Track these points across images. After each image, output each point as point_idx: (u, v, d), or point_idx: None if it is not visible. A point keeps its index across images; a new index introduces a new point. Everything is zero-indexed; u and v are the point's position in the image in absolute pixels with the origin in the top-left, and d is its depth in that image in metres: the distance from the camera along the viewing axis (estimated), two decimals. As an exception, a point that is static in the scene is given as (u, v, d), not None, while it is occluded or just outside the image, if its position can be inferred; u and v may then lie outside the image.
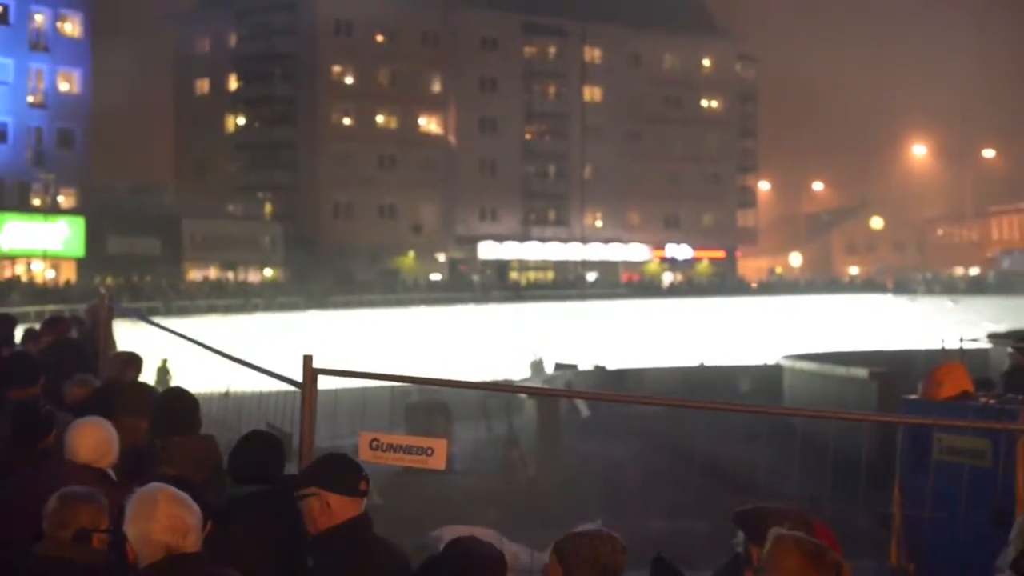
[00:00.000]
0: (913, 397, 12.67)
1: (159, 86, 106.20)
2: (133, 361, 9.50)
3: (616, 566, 5.07)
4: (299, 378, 6.54)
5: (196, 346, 10.36)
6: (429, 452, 6.19)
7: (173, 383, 35.22)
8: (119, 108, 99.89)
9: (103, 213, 75.11)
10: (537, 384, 36.20)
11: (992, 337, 29.79)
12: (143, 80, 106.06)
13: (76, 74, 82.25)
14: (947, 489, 10.70)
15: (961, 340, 22.35)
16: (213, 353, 9.40)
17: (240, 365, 8.65)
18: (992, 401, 11.94)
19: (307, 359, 6.42)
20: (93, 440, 6.10)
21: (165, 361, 44.89)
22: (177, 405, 6.90)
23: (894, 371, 26.25)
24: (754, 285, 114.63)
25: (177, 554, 4.59)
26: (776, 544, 4.40)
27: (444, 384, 9.99)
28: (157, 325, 12.71)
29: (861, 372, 27.33)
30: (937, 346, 23.94)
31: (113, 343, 12.25)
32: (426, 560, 5.11)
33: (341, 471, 5.49)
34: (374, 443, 6.20)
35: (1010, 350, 21.53)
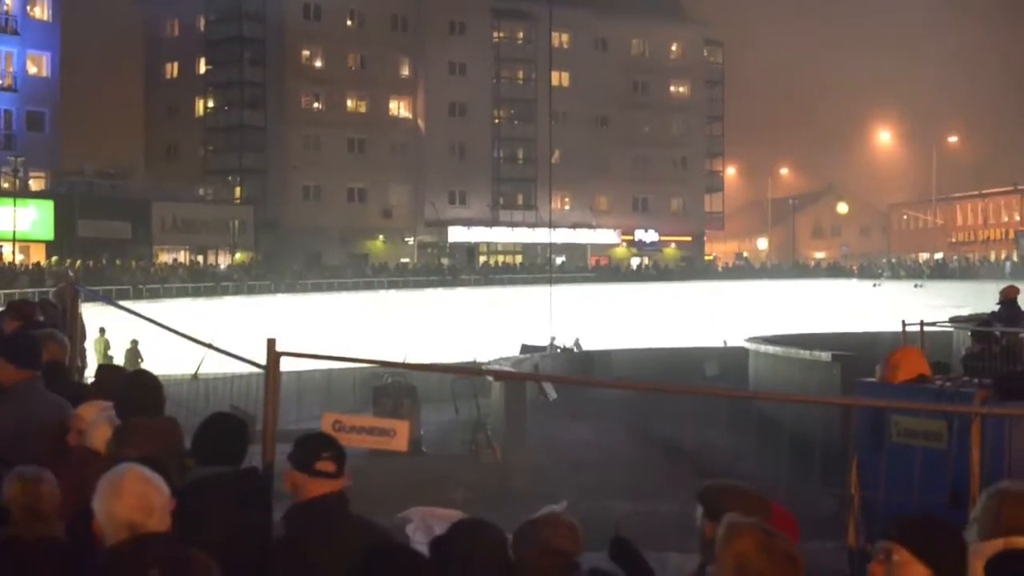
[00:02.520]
0: (870, 380, 12.86)
1: (128, 69, 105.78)
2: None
3: (565, 549, 5.16)
4: (264, 361, 6.61)
5: (163, 330, 10.42)
6: (391, 433, 6.29)
7: (144, 365, 35.31)
8: (88, 91, 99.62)
9: (73, 196, 74.72)
10: (507, 367, 36.28)
11: (954, 321, 30.04)
12: (112, 63, 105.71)
13: (45, 57, 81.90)
14: (903, 470, 10.89)
15: (922, 324, 22.59)
16: (180, 336, 9.48)
17: (206, 348, 8.74)
18: (948, 384, 12.15)
19: (271, 342, 6.49)
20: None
21: (135, 343, 44.99)
22: (140, 387, 6.96)
23: (857, 355, 26.46)
24: (720, 267, 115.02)
25: (142, 533, 4.62)
26: (728, 531, 4.39)
27: (406, 367, 10.12)
28: (125, 308, 12.76)
29: (824, 355, 27.58)
30: (900, 330, 24.13)
31: (82, 326, 12.25)
32: (433, 540, 5.14)
33: (300, 449, 5.61)
34: (336, 424, 6.30)
35: (970, 334, 21.83)
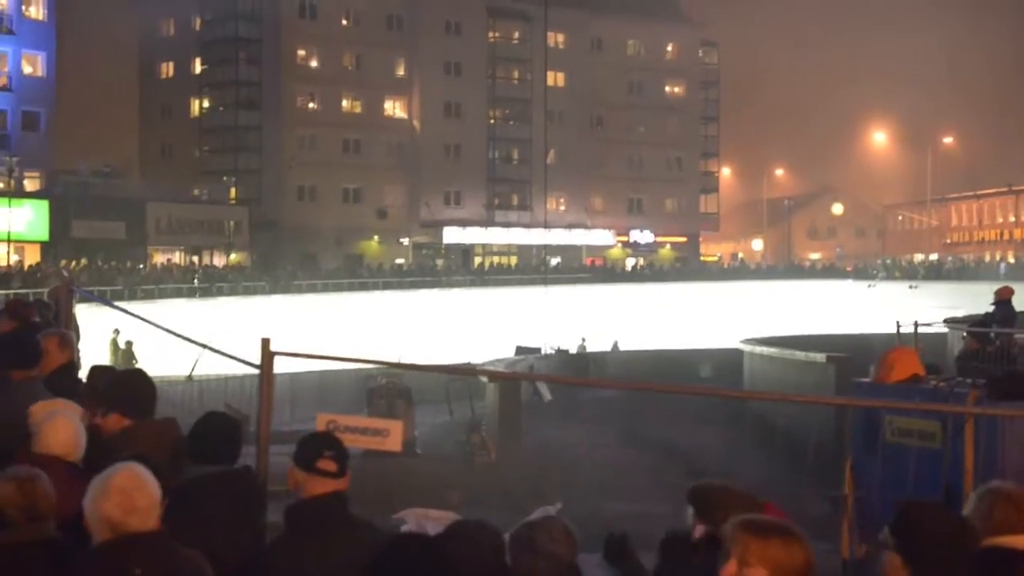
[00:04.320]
0: (864, 380, 12.87)
1: (123, 69, 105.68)
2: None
3: (560, 553, 5.16)
4: (258, 361, 6.61)
5: (158, 330, 10.42)
6: (385, 434, 6.30)
7: (138, 366, 35.32)
8: (84, 91, 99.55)
9: (67, 197, 74.67)
10: (502, 369, 36.25)
11: (948, 322, 30.09)
12: (108, 63, 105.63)
13: (40, 57, 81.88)
14: (897, 470, 10.91)
15: (916, 324, 22.63)
16: (175, 336, 9.49)
17: (201, 348, 8.74)
18: (942, 384, 12.17)
19: (265, 342, 6.49)
20: (66, 435, 6.13)
21: (130, 344, 45.02)
22: (135, 387, 6.92)
23: (852, 356, 26.45)
24: (718, 264, 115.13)
25: (125, 532, 4.62)
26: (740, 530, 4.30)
27: (400, 367, 10.12)
28: (119, 308, 12.76)
29: (819, 357, 27.53)
30: (895, 331, 24.17)
31: (75, 326, 12.25)
32: (427, 540, 5.12)
33: (303, 446, 5.60)
34: (330, 424, 6.30)
35: (964, 335, 21.87)
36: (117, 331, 43.66)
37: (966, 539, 4.48)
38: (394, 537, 4.92)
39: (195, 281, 70.18)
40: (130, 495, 4.70)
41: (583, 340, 54.37)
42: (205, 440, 6.08)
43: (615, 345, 57.77)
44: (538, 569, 5.06)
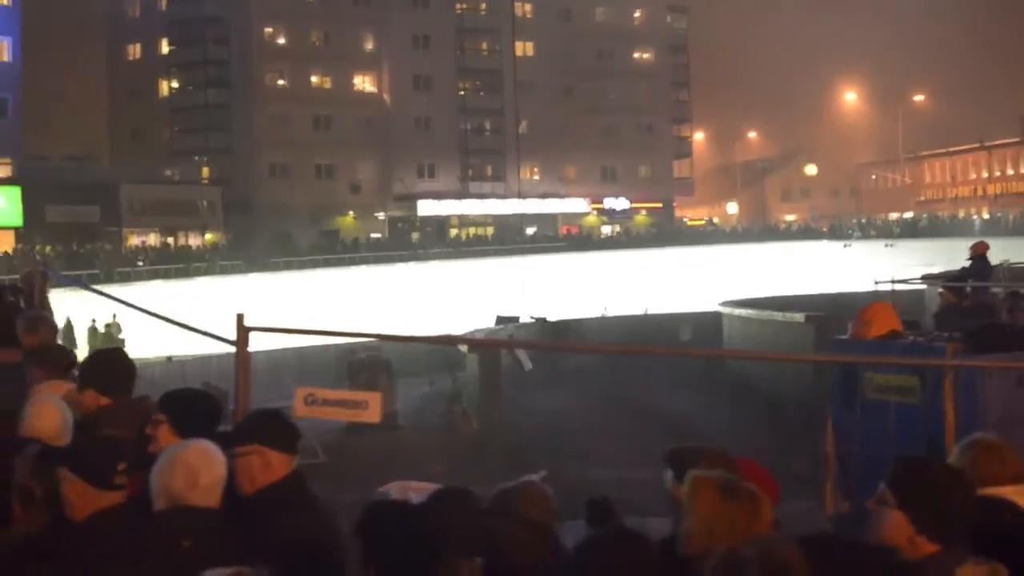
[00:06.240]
0: (843, 337, 12.89)
1: (91, 53, 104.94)
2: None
3: (538, 520, 5.17)
4: (234, 338, 6.58)
5: (136, 312, 10.37)
6: (364, 405, 6.28)
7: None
8: (51, 76, 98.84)
9: (40, 182, 74.34)
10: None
11: (925, 279, 30.15)
12: (75, 47, 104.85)
13: (7, 42, 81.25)
14: (877, 427, 10.93)
15: (893, 282, 22.70)
16: (152, 317, 9.45)
17: (178, 327, 8.71)
18: (920, 339, 12.20)
19: (239, 317, 6.46)
20: (51, 419, 6.09)
21: (108, 327, 45.00)
22: (112, 365, 6.89)
23: (830, 315, 26.46)
24: (705, 227, 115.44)
25: (181, 504, 4.80)
26: (692, 486, 4.55)
27: (379, 338, 10.11)
28: (96, 291, 12.72)
29: (798, 317, 27.56)
30: (871, 289, 24.25)
31: (49, 310, 12.19)
32: (412, 507, 5.07)
33: (281, 427, 5.50)
34: (309, 398, 6.28)
35: (940, 290, 21.92)
36: (114, 315, 43.85)
37: (964, 490, 4.50)
38: (376, 504, 4.90)
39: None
40: (196, 471, 4.88)
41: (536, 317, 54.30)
42: (182, 416, 6.00)
43: (605, 311, 57.66)
44: (519, 538, 5.05)
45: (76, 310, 40.22)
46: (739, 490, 4.49)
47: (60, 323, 44.18)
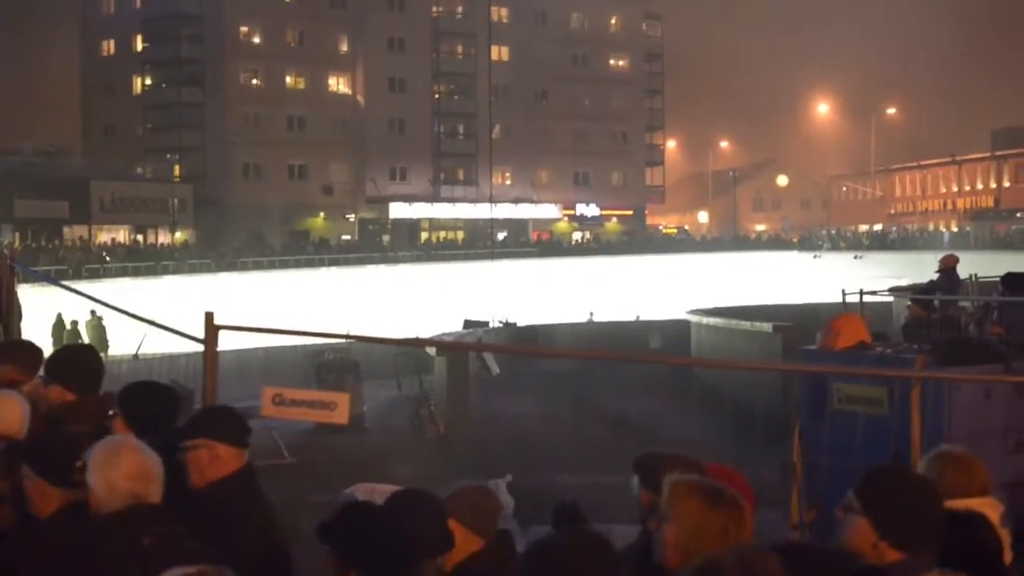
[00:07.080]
0: (811, 347, 12.92)
1: (64, 48, 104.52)
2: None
3: (494, 510, 5.19)
4: (203, 336, 6.55)
5: (104, 308, 10.32)
6: (332, 406, 6.25)
7: (88, 341, 35.08)
8: (24, 70, 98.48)
9: (10, 176, 74.05)
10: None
11: (893, 291, 30.28)
12: (48, 42, 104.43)
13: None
14: (845, 437, 10.96)
15: (861, 293, 22.76)
16: (119, 313, 9.40)
17: (145, 324, 8.67)
18: (888, 350, 12.23)
19: (208, 315, 6.43)
20: (11, 414, 6.07)
21: (75, 323, 44.72)
22: (79, 362, 6.86)
23: (798, 325, 26.52)
24: (678, 235, 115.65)
25: (140, 503, 4.72)
26: (672, 490, 4.44)
27: (347, 338, 10.08)
28: (64, 286, 12.64)
29: (766, 326, 27.61)
30: (840, 300, 24.28)
31: (17, 305, 12.11)
32: (377, 508, 5.06)
33: (231, 422, 5.50)
34: (277, 398, 6.24)
35: (908, 303, 22.00)
36: (93, 312, 43.51)
37: (931, 499, 4.50)
38: (341, 505, 4.90)
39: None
40: (145, 466, 4.80)
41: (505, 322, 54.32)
42: (141, 409, 5.96)
43: (591, 316, 57.73)
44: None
45: (44, 306, 39.99)
46: (723, 496, 4.40)
47: (51, 319, 43.76)
